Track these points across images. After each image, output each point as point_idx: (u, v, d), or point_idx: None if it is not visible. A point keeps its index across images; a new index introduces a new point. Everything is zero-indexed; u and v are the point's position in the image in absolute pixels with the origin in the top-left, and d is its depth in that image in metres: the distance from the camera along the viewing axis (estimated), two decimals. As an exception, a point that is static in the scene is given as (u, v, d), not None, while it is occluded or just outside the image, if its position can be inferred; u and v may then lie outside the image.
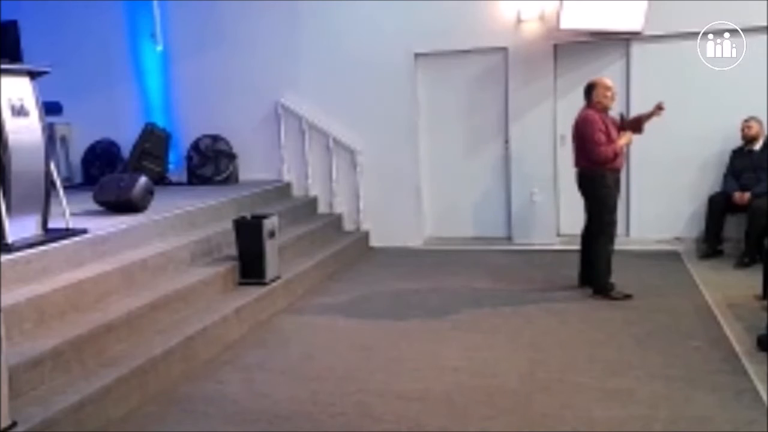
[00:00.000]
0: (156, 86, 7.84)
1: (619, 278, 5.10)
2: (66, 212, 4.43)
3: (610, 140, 4.93)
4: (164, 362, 3.73)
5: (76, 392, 3.17)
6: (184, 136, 7.69)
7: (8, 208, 3.90)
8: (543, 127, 6.87)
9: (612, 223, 5.07)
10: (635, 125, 5.17)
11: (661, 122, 6.09)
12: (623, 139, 5.03)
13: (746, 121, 6.14)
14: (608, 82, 5.07)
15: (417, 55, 7.10)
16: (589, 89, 5.06)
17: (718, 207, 6.16)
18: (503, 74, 6.97)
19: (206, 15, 7.50)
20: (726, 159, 6.35)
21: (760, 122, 6.12)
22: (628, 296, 4.97)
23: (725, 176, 6.29)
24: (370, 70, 7.13)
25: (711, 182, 6.46)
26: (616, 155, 4.95)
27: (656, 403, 3.28)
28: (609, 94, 5.00)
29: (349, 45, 7.15)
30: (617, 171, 5.06)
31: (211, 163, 7.47)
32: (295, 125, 7.43)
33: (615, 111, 5.27)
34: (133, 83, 7.89)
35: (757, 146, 6.14)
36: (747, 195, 5.96)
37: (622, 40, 6.59)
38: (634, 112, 6.65)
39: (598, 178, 4.98)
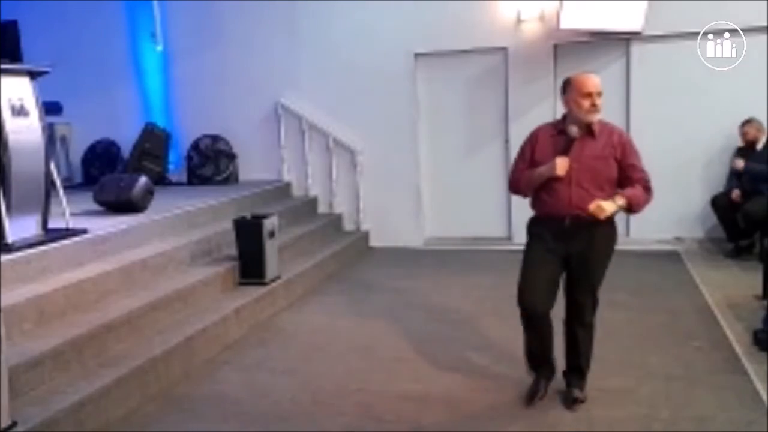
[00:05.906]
0: (156, 86, 7.84)
1: (619, 278, 5.06)
2: (66, 212, 4.43)
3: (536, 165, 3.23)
4: (164, 362, 3.73)
5: (76, 392, 3.17)
6: (184, 136, 7.69)
7: (8, 208, 3.90)
8: (543, 127, 6.85)
9: (521, 295, 3.44)
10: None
11: (661, 122, 6.11)
12: (546, 167, 3.14)
13: (742, 126, 6.10)
14: (588, 85, 3.08)
15: (417, 56, 7.09)
16: (563, 89, 3.20)
17: (724, 207, 6.11)
18: (503, 74, 6.96)
19: (206, 15, 7.50)
20: (726, 159, 6.34)
21: (758, 124, 6.06)
22: (532, 395, 3.36)
23: (729, 175, 6.26)
24: (370, 70, 7.12)
25: (711, 182, 6.46)
26: (519, 185, 3.34)
27: (656, 403, 3.29)
28: (586, 103, 3.06)
29: (350, 45, 7.15)
30: (548, 219, 3.31)
31: (211, 163, 7.47)
32: (295, 125, 7.42)
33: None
34: (133, 83, 7.89)
35: (759, 146, 6.09)
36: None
37: (622, 40, 6.58)
38: (635, 112, 6.66)
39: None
